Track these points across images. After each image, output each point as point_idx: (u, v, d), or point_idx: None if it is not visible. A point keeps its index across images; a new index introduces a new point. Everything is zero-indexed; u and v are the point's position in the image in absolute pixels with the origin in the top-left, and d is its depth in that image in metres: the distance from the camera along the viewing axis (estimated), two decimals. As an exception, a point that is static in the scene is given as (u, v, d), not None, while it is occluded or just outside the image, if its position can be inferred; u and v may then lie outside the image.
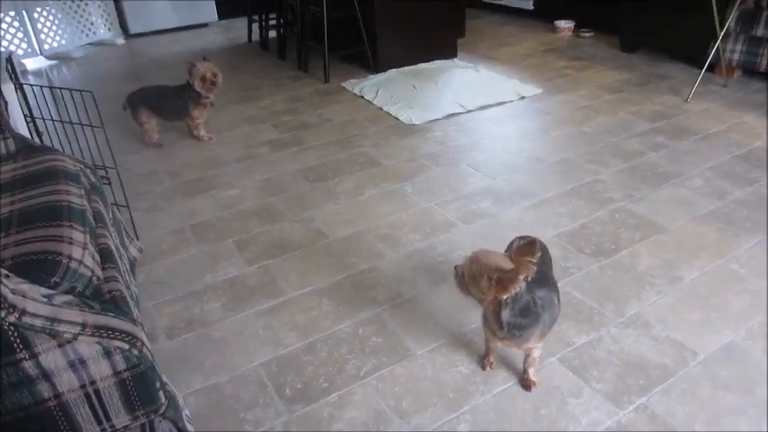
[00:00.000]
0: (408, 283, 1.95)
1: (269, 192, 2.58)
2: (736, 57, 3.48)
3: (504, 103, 3.47)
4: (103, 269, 1.39)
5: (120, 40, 5.35)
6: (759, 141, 2.79)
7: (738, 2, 3.34)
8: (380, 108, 3.49)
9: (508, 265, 1.26)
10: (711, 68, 3.56)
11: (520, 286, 1.26)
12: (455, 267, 1.38)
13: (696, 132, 2.93)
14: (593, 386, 1.51)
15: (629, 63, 4.08)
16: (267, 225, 2.32)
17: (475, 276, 1.29)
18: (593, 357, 1.60)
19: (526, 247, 1.23)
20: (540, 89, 3.64)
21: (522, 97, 3.54)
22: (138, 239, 2.19)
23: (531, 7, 5.30)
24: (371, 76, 4.05)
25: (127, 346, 1.10)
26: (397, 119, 3.31)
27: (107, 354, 1.07)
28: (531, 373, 1.51)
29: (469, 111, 3.37)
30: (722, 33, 3.34)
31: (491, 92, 3.59)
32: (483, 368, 1.58)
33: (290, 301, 1.89)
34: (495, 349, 1.58)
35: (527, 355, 1.49)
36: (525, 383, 1.52)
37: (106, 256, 1.45)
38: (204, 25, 5.84)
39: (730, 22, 3.38)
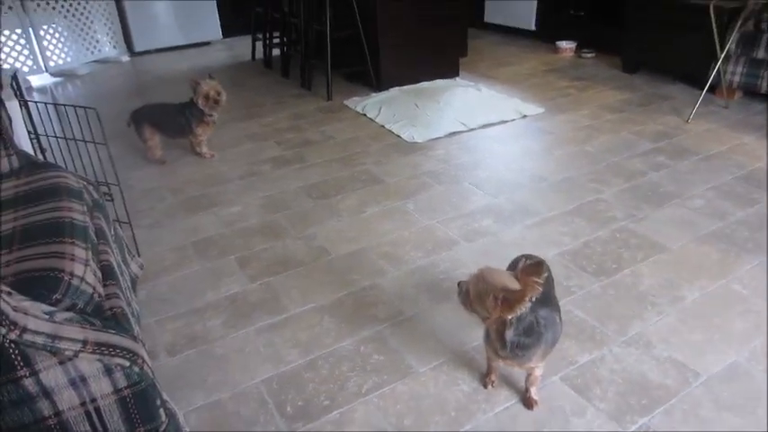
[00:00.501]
0: (410, 300, 1.94)
1: (272, 209, 2.59)
2: (736, 78, 3.51)
3: (507, 121, 3.49)
4: (105, 286, 1.39)
5: (125, 58, 5.40)
6: (759, 163, 2.80)
7: (739, 24, 3.37)
8: (383, 126, 3.51)
9: (514, 284, 1.26)
10: (712, 89, 3.58)
11: (525, 306, 1.25)
12: (459, 284, 1.38)
13: (697, 153, 2.94)
14: (596, 405, 1.50)
15: (630, 83, 4.11)
16: (270, 242, 2.33)
17: (480, 294, 1.28)
18: (596, 376, 1.59)
19: (533, 268, 1.23)
20: (542, 108, 3.66)
21: (524, 116, 3.56)
22: (139, 256, 2.20)
23: (534, 28, 5.35)
24: (374, 95, 4.08)
25: (128, 364, 1.09)
26: (399, 137, 3.33)
27: (108, 371, 1.07)
28: (533, 391, 1.50)
29: (471, 129, 3.39)
30: (723, 55, 3.37)
31: (493, 111, 3.62)
32: (485, 386, 1.57)
33: (292, 318, 1.89)
34: (496, 368, 1.57)
35: (529, 374, 1.48)
36: (527, 402, 1.51)
37: (108, 273, 1.45)
38: (208, 43, 5.90)
39: (731, 44, 3.41)
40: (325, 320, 1.86)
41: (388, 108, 3.77)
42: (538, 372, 1.46)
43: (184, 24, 5.65)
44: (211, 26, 5.82)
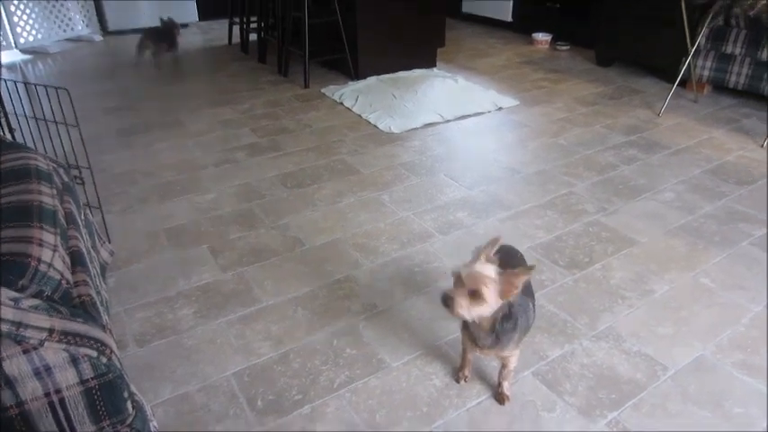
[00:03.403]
0: (384, 293, 1.94)
1: (246, 197, 2.56)
2: (706, 73, 3.57)
3: (482, 113, 3.50)
4: (73, 273, 1.35)
5: (98, 37, 5.27)
6: (728, 156, 2.86)
7: (709, 19, 3.42)
8: (360, 115, 3.49)
9: (493, 273, 1.26)
10: (683, 84, 3.64)
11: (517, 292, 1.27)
12: (443, 295, 1.28)
13: (667, 147, 2.99)
14: (567, 400, 1.52)
15: (604, 77, 4.15)
16: (243, 231, 2.30)
17: (478, 287, 1.24)
18: (567, 371, 1.61)
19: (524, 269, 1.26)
20: (517, 101, 3.68)
21: (500, 108, 3.57)
22: (110, 242, 2.15)
23: (510, 19, 5.37)
24: (351, 83, 4.05)
25: (95, 354, 1.07)
26: (375, 127, 3.31)
27: (74, 361, 1.04)
28: (506, 386, 1.51)
29: (448, 120, 3.39)
30: (693, 50, 3.42)
31: (469, 102, 3.62)
32: (457, 381, 1.58)
33: (265, 309, 1.87)
34: (470, 362, 1.58)
35: (503, 366, 1.49)
36: (499, 397, 1.52)
37: (77, 259, 1.42)
38: (185, 26, 5.77)
39: (701, 38, 3.46)
40: (299, 312, 1.85)
41: (366, 97, 3.74)
42: (513, 362, 1.46)
43: (160, 5, 5.51)
44: (188, 8, 5.71)
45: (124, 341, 1.72)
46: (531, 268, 1.27)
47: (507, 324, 1.34)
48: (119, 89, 4.00)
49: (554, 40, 4.98)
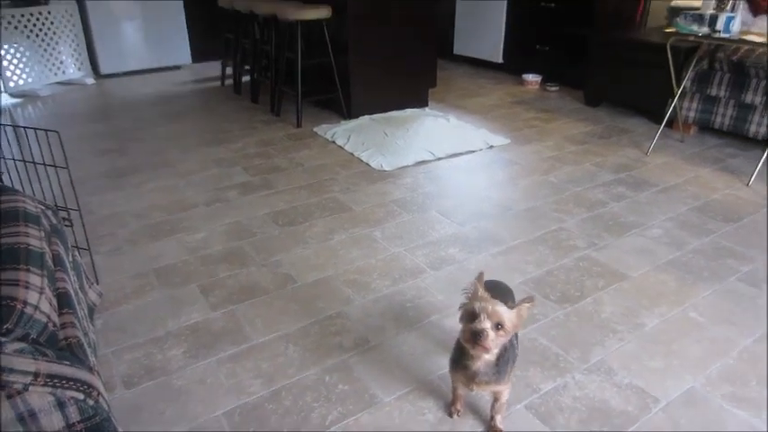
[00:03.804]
0: (376, 329, 1.93)
1: (237, 235, 2.56)
2: (692, 114, 3.65)
3: (474, 151, 3.55)
4: (60, 314, 1.35)
5: (90, 80, 5.33)
6: (714, 194, 2.90)
7: (694, 63, 3.52)
8: (352, 154, 3.53)
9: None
10: (670, 124, 3.72)
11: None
12: (473, 330, 1.27)
13: (656, 184, 3.03)
14: (559, 435, 1.50)
15: (593, 116, 4.23)
16: (234, 269, 2.30)
17: (503, 320, 1.27)
18: (559, 404, 1.60)
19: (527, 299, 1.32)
20: (508, 139, 3.74)
21: (491, 146, 3.63)
22: (98, 283, 2.14)
23: (501, 60, 5.49)
24: (344, 122, 4.11)
25: (82, 396, 1.06)
26: (367, 165, 3.35)
27: (60, 405, 1.03)
28: (499, 420, 1.50)
29: (439, 158, 3.43)
30: (679, 92, 3.51)
31: (461, 140, 3.67)
32: (450, 416, 1.57)
33: (256, 347, 1.86)
34: (462, 396, 1.57)
35: (495, 400, 1.48)
36: (493, 431, 1.50)
37: (64, 301, 1.41)
38: (178, 68, 5.88)
39: (686, 81, 3.56)
40: (290, 350, 1.84)
41: (358, 136, 3.79)
42: (505, 396, 1.46)
43: (153, 48, 5.62)
44: (181, 50, 5.80)
45: (112, 383, 1.70)
46: (532, 299, 1.30)
47: (505, 357, 1.35)
48: (110, 131, 4.03)
49: (544, 81, 5.09)
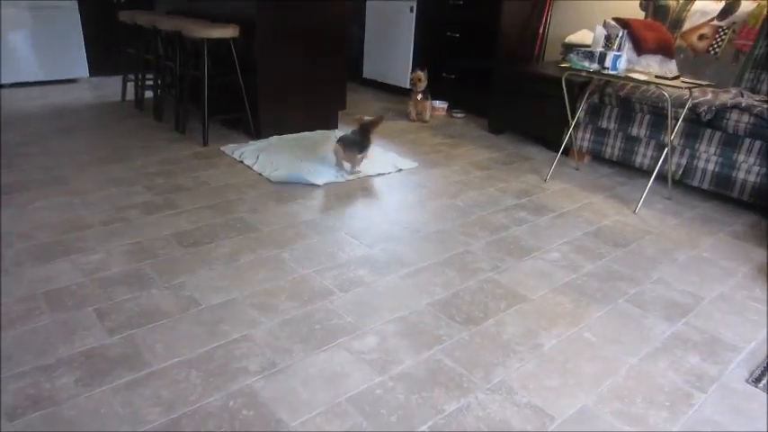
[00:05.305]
0: (283, 351, 1.90)
1: (138, 257, 2.44)
2: (585, 144, 3.91)
3: (383, 174, 3.61)
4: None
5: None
6: (605, 221, 3.11)
7: (586, 96, 3.79)
8: (260, 174, 3.48)
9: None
10: (566, 152, 3.97)
11: None
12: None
13: (553, 210, 3.21)
14: (463, 454, 1.54)
15: (496, 143, 4.44)
16: (134, 292, 2.19)
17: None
18: (462, 424, 1.64)
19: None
20: (416, 163, 3.83)
21: (400, 170, 3.70)
22: (-21, 307, 1.97)
23: (409, 86, 5.63)
24: (252, 142, 4.05)
25: (-45, 431, 0.96)
26: (276, 185, 3.31)
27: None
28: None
29: (348, 180, 3.46)
30: (573, 123, 3.76)
31: (370, 163, 3.72)
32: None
33: (155, 373, 1.77)
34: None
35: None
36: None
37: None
38: (74, 81, 5.57)
39: (580, 113, 3.82)
40: (192, 375, 1.77)
41: (267, 156, 3.75)
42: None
43: (46, 59, 5.31)
44: (78, 63, 5.52)
45: (-9, 416, 1.56)
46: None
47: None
48: (-1, 142, 3.74)
49: (450, 108, 5.29)
